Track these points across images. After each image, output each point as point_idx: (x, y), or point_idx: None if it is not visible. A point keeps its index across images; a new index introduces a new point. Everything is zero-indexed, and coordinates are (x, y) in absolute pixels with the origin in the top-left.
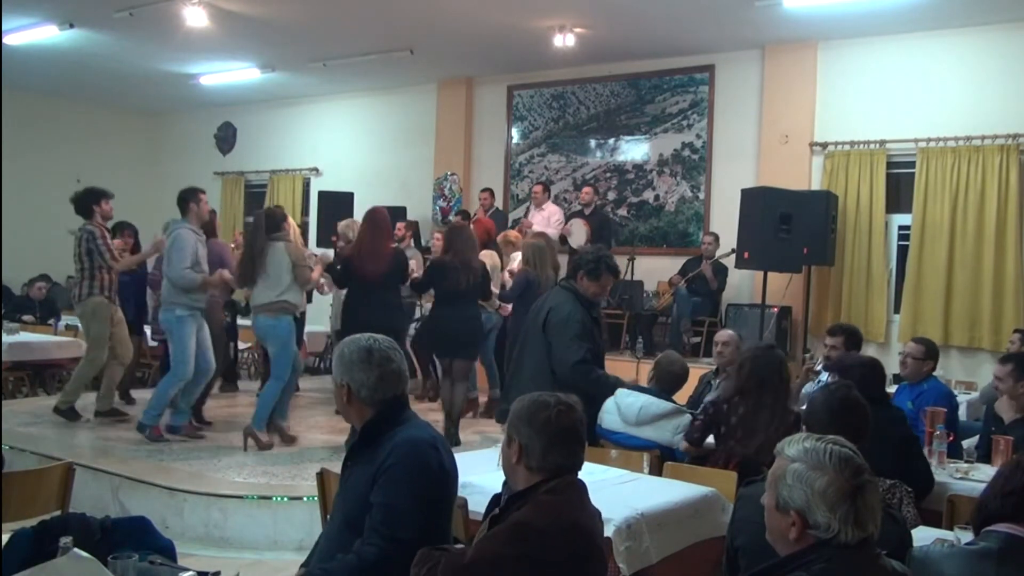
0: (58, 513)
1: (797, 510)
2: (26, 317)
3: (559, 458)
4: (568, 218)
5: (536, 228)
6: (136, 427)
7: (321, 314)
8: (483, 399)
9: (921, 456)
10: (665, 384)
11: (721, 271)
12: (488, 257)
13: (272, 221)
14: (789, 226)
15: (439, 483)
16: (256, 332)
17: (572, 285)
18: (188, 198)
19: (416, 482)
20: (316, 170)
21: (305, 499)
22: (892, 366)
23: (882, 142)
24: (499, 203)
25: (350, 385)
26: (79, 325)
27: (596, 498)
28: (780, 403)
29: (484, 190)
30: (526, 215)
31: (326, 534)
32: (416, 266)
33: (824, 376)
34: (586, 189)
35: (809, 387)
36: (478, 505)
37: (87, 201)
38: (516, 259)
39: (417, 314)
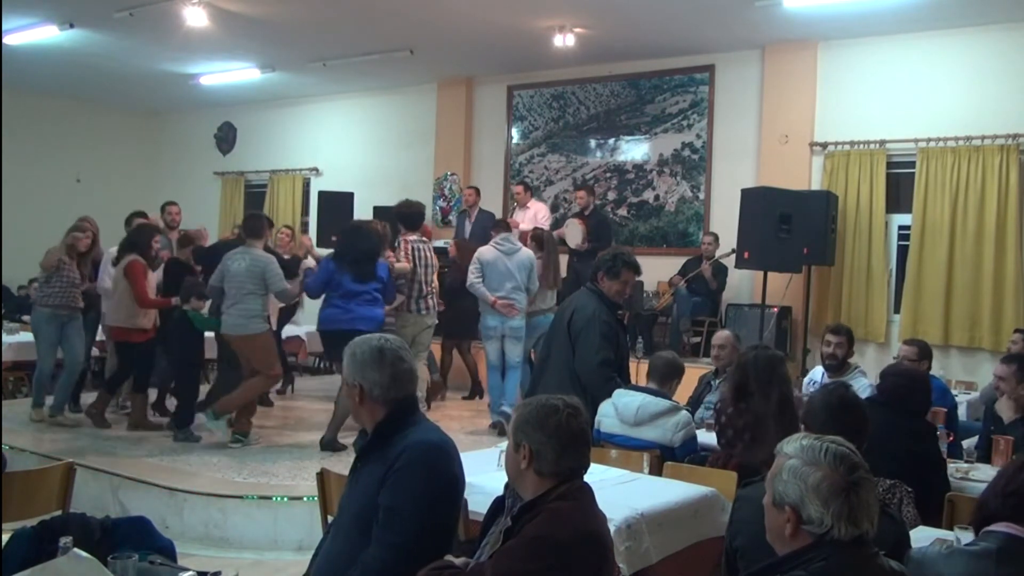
0: (58, 513)
1: (791, 505)
2: (26, 317)
3: (571, 461)
4: (564, 219)
5: (524, 227)
6: None
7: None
8: None
9: (943, 476)
10: (660, 376)
11: (720, 271)
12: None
13: None
14: (789, 226)
15: (449, 487)
16: (537, 332)
17: (596, 287)
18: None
19: (426, 485)
20: (316, 170)
21: (305, 499)
22: None
23: (882, 142)
24: (498, 203)
25: (363, 385)
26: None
27: (596, 498)
28: (787, 413)
29: (469, 187)
30: (511, 215)
31: (332, 535)
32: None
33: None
34: (579, 193)
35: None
36: (478, 505)
37: (417, 218)
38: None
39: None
